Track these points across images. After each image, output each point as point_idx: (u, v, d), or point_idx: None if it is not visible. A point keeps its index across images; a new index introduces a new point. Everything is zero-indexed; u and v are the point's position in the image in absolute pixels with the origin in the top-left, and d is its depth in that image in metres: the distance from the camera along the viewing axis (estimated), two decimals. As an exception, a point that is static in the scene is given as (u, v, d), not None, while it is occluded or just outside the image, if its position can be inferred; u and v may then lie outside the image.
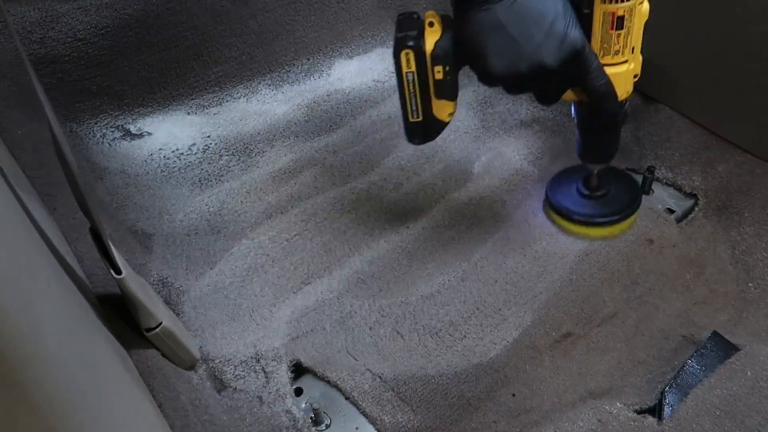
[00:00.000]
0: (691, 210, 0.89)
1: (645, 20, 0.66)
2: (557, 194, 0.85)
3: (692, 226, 0.87)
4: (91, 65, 0.92)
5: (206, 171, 0.93)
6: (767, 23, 0.82)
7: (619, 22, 0.64)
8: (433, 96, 0.69)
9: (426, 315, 0.74)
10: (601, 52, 0.67)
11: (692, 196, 0.91)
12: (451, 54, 0.66)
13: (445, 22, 0.67)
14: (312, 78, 1.09)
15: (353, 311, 0.76)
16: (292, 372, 0.70)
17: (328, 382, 0.69)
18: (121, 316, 0.58)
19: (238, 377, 0.68)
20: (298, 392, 0.68)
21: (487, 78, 0.67)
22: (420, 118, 0.71)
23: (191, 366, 0.65)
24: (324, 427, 0.66)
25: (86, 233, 0.60)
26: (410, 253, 0.83)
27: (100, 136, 0.94)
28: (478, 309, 0.75)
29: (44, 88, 0.88)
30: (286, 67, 1.08)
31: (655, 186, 0.93)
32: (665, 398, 0.66)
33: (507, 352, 0.72)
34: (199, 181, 0.92)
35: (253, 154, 0.97)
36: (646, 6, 0.65)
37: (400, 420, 0.65)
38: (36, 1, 0.88)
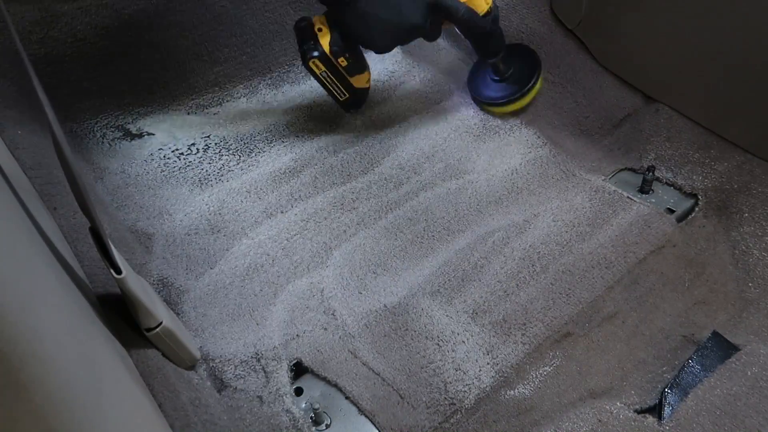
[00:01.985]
0: (691, 210, 0.89)
1: None
2: (478, 87, 1.03)
3: (692, 226, 0.87)
4: (91, 65, 0.92)
5: (206, 171, 0.93)
6: (766, 24, 0.82)
7: None
8: (347, 76, 0.91)
9: (425, 315, 0.74)
10: None
11: (692, 196, 0.91)
12: (343, 45, 0.87)
13: (330, 22, 0.87)
14: (312, 78, 1.09)
15: (354, 310, 0.76)
16: (292, 372, 0.70)
17: (328, 381, 0.69)
18: (121, 316, 0.58)
19: (238, 377, 0.68)
20: (298, 392, 0.68)
21: (381, 51, 0.90)
22: (347, 95, 0.94)
23: (191, 366, 0.65)
24: (324, 427, 0.66)
25: (86, 233, 0.60)
26: (411, 252, 0.83)
27: (100, 136, 0.94)
28: (478, 309, 0.75)
29: (44, 88, 0.88)
30: (286, 67, 1.08)
31: (656, 186, 0.93)
32: (665, 398, 0.66)
33: (507, 352, 0.72)
34: (199, 181, 0.92)
35: (253, 154, 0.97)
36: None
37: (401, 419, 0.65)
38: (36, 1, 0.88)
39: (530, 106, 1.06)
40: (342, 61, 0.87)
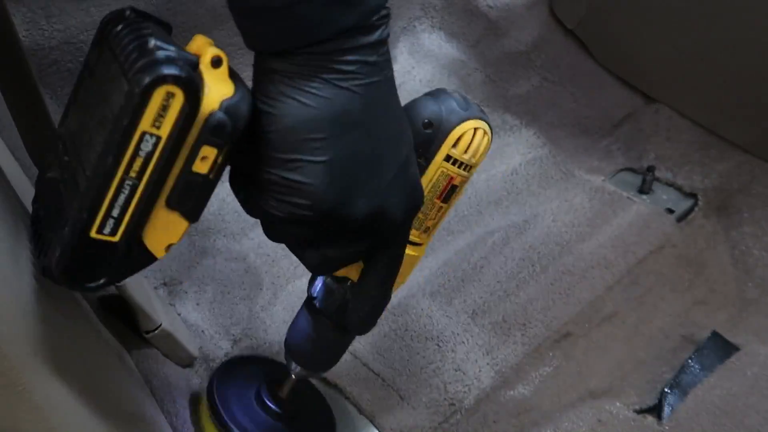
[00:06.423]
0: (691, 210, 0.89)
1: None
2: (230, 402, 0.56)
3: (692, 226, 0.87)
4: (91, 65, 0.92)
5: (206, 171, 0.93)
6: (767, 23, 0.82)
7: (449, 193, 0.45)
8: (163, 201, 0.35)
9: (425, 315, 0.74)
10: (415, 223, 0.45)
11: (692, 196, 0.91)
12: (237, 130, 0.35)
13: (234, 73, 0.37)
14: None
15: (353, 311, 0.76)
16: (292, 372, 0.70)
17: (328, 381, 0.69)
18: (120, 316, 0.58)
19: (238, 377, 0.68)
20: (298, 392, 0.68)
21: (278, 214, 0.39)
22: (116, 238, 0.33)
23: (190, 363, 0.65)
24: (324, 427, 0.65)
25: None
26: (410, 253, 0.83)
27: (101, 137, 0.94)
28: (478, 309, 0.75)
29: (44, 88, 0.88)
30: (286, 67, 1.08)
31: (655, 186, 0.93)
32: (665, 398, 0.66)
33: (507, 352, 0.72)
34: (199, 181, 0.92)
35: (253, 154, 0.96)
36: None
37: (401, 419, 0.65)
38: (36, 1, 0.88)
39: (530, 105, 1.05)
40: (205, 159, 0.35)
